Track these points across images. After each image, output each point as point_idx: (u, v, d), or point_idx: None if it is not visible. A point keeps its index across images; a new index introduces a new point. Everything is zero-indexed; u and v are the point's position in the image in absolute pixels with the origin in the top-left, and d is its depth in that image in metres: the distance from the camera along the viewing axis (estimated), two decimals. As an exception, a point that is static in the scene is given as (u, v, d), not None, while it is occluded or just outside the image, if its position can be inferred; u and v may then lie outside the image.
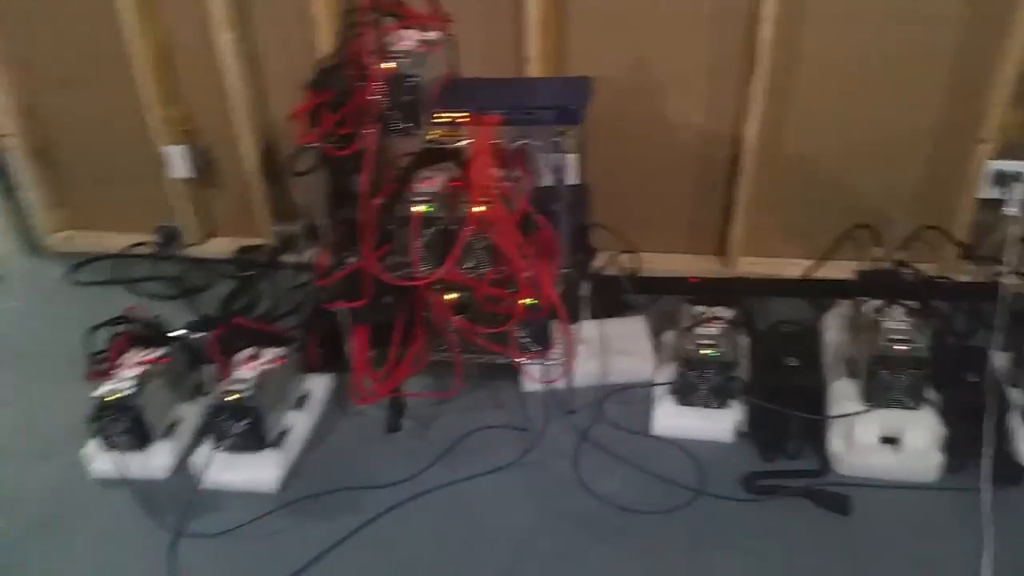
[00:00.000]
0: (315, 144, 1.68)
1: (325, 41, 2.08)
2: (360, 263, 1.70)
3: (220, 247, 2.55)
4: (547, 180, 1.74)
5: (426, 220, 1.61)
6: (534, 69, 2.05)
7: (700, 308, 1.81)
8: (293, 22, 2.13)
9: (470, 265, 1.65)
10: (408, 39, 1.64)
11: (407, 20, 1.70)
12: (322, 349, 1.97)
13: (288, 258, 2.46)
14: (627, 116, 2.10)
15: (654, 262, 2.20)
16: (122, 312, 1.93)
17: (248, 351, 1.83)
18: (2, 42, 2.37)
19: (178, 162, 2.40)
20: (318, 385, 1.94)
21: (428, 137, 1.65)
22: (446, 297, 1.71)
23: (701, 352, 1.68)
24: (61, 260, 2.63)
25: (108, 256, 2.60)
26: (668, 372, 1.81)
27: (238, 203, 2.49)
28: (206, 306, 2.31)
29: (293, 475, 1.73)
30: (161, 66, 2.29)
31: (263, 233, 2.49)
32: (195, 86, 2.34)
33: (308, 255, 2.41)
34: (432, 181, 1.64)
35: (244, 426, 1.68)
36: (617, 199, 2.10)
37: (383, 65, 1.55)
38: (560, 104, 1.63)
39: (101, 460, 1.76)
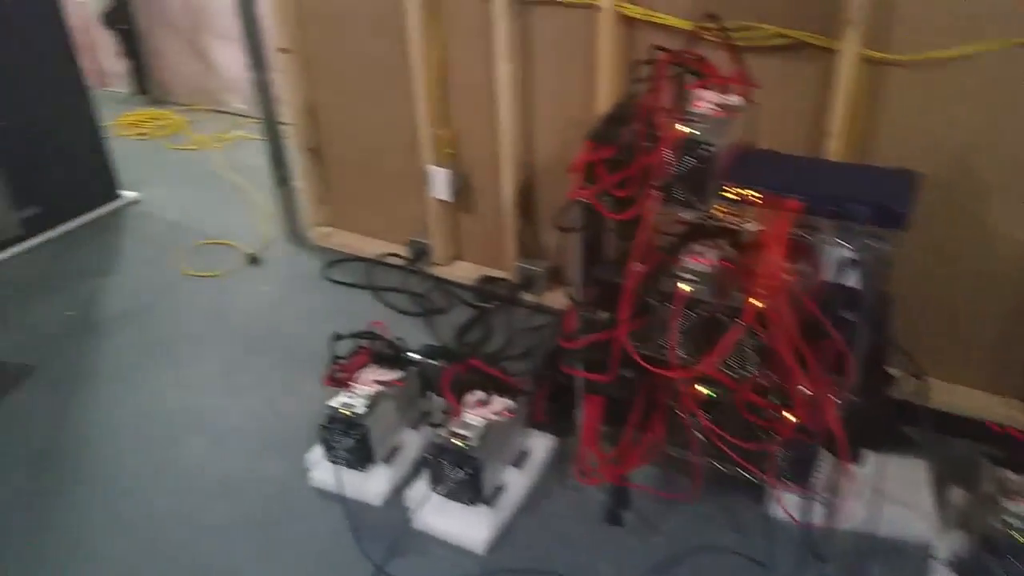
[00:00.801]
0: (586, 201, 1.57)
1: (608, 87, 1.99)
2: (610, 333, 1.57)
3: (464, 272, 2.55)
4: (842, 281, 1.51)
5: (691, 301, 1.45)
6: (834, 147, 1.81)
7: (1010, 475, 1.47)
8: (576, 62, 2.05)
9: (734, 363, 1.47)
10: (706, 101, 1.48)
11: (708, 80, 1.53)
12: (550, 405, 1.87)
13: (527, 297, 2.40)
14: (935, 215, 1.78)
15: (943, 394, 1.87)
16: (368, 327, 1.95)
17: (478, 395, 1.77)
18: (300, 43, 2.51)
19: (439, 182, 2.42)
20: (540, 445, 1.84)
21: (711, 213, 1.49)
22: (698, 391, 1.53)
23: (1014, 536, 1.36)
24: (319, 254, 2.75)
25: (361, 259, 2.68)
26: (953, 542, 1.50)
27: (487, 232, 2.47)
28: (443, 330, 2.30)
29: (502, 539, 1.63)
30: (438, 87, 2.32)
31: (507, 266, 2.45)
32: (466, 111, 2.34)
33: (546, 298, 2.36)
34: (704, 259, 1.48)
35: (463, 475, 1.61)
36: (907, 310, 1.80)
37: (676, 127, 1.41)
38: (881, 202, 1.39)
39: (322, 470, 1.78)
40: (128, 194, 3.21)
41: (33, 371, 2.20)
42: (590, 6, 1.94)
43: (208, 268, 2.68)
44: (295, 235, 2.87)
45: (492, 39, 2.11)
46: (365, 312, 2.41)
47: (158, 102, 4.33)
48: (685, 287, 1.44)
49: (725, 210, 1.46)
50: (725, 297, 1.44)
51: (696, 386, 1.53)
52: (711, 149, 1.38)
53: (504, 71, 2.14)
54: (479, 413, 1.70)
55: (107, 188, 3.15)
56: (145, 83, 4.38)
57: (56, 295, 2.57)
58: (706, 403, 1.53)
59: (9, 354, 2.25)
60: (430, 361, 1.94)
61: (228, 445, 1.93)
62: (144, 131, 3.96)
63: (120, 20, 4.20)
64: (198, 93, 4.23)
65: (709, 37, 1.55)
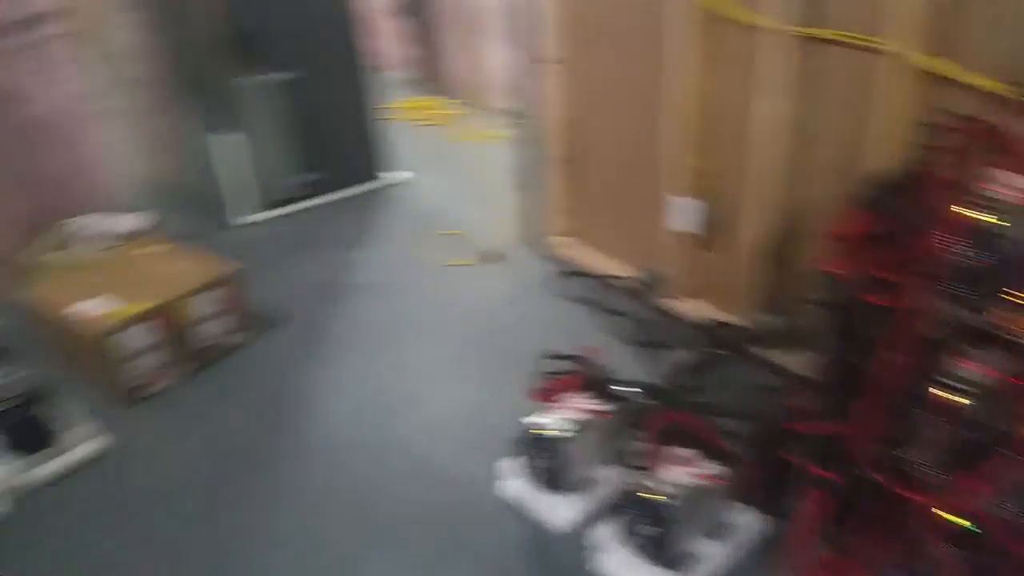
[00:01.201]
0: (840, 275, 1.39)
1: (887, 147, 1.75)
2: (848, 429, 1.38)
3: (696, 310, 2.42)
4: None
5: (952, 413, 1.23)
6: None
7: None
8: (853, 111, 1.84)
9: (1001, 497, 1.23)
10: (1008, 185, 1.24)
11: (1010, 158, 1.29)
12: (764, 480, 1.70)
13: (760, 352, 2.22)
14: None
15: None
16: (581, 351, 1.90)
17: (685, 451, 1.65)
18: (569, 55, 2.50)
19: (685, 214, 2.31)
20: (745, 522, 1.68)
21: (992, 318, 1.25)
22: (948, 518, 1.30)
23: None
24: (552, 263, 2.76)
25: (593, 276, 2.65)
26: None
27: (729, 274, 2.32)
28: (661, 367, 2.20)
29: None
30: (696, 115, 2.20)
31: (744, 314, 2.29)
32: (724, 144, 2.20)
33: (781, 358, 2.17)
34: (975, 366, 1.25)
35: (652, 531, 1.51)
36: None
37: (967, 212, 1.19)
38: None
39: (513, 482, 1.76)
40: (396, 174, 3.44)
41: (282, 323, 2.41)
42: (876, 51, 1.72)
43: (449, 257, 2.79)
44: (533, 241, 2.90)
45: (759, 72, 1.97)
46: (587, 330, 2.37)
47: (439, 92, 4.61)
48: (947, 395, 1.23)
49: (1009, 317, 1.23)
50: (997, 415, 1.21)
51: (947, 512, 1.30)
52: (1006, 243, 1.16)
53: (768, 108, 1.99)
54: (682, 469, 1.59)
55: (379, 166, 3.39)
56: (430, 72, 4.69)
57: (316, 257, 2.82)
58: (956, 536, 1.30)
59: (267, 303, 2.48)
60: (641, 400, 1.86)
61: (433, 433, 1.98)
62: (422, 118, 4.24)
63: (413, 9, 4.53)
64: (472, 88, 4.45)
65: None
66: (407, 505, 1.77)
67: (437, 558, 1.64)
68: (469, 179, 3.48)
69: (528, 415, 1.72)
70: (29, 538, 1.68)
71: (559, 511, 1.69)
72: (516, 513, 1.72)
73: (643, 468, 1.64)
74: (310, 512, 1.75)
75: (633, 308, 2.47)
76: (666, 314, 2.44)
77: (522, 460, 1.72)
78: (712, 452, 1.65)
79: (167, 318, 2.04)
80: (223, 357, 2.22)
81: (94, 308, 1.97)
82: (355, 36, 3.13)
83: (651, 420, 1.72)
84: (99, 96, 3.08)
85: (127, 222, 2.69)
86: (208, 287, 2.13)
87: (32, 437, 1.79)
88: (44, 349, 2.16)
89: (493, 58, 4.16)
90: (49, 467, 1.80)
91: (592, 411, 1.75)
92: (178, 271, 2.18)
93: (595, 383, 1.84)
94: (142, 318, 1.98)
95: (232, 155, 2.92)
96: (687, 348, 2.29)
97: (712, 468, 1.61)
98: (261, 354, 2.28)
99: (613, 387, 1.83)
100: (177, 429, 1.99)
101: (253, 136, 2.95)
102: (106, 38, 3.10)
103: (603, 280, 2.62)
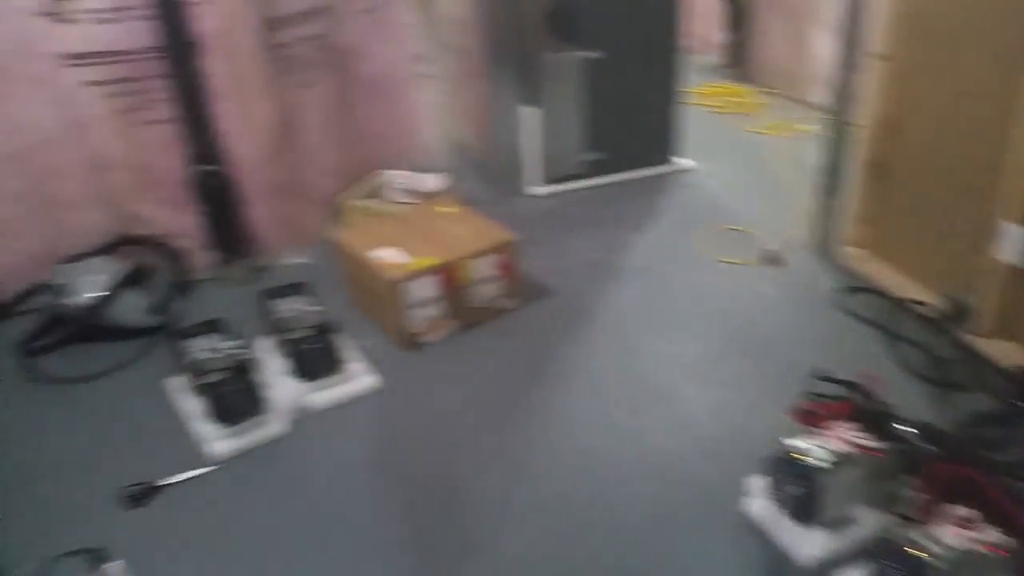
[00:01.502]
0: None
1: None
2: None
3: (1006, 354, 2.09)
4: None
5: None
6: None
7: None
8: None
9: None
10: None
11: None
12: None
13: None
14: None
15: None
16: (861, 376, 1.73)
17: (966, 511, 1.44)
18: (899, 51, 2.25)
19: (1016, 245, 1.99)
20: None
21: None
22: None
23: None
24: (839, 275, 2.54)
25: (884, 295, 2.40)
26: None
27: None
28: (951, 411, 1.94)
29: None
30: None
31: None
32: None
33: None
34: None
35: (913, 596, 1.34)
36: None
37: None
38: None
39: (758, 502, 1.67)
40: (684, 161, 3.37)
41: (549, 295, 2.49)
42: None
43: (726, 253, 2.68)
44: (821, 248, 2.68)
45: None
46: (866, 354, 2.16)
47: (743, 78, 4.42)
48: None
49: None
50: None
51: None
52: None
53: None
54: (959, 531, 1.40)
55: (668, 151, 3.34)
56: (738, 58, 4.50)
57: (593, 235, 2.86)
58: None
59: (539, 273, 2.57)
60: (924, 444, 1.65)
61: (679, 431, 1.93)
62: (720, 104, 4.09)
63: (735, -11, 4.35)
64: (782, 77, 4.19)
65: None
66: (642, 501, 1.74)
67: (668, 567, 1.60)
68: (761, 173, 3.31)
69: (787, 435, 1.62)
70: (301, 455, 1.90)
71: (805, 544, 1.57)
72: (757, 535, 1.63)
73: (913, 520, 1.47)
74: (544, 485, 1.79)
75: (928, 339, 2.20)
76: (968, 352, 2.14)
77: (773, 481, 1.62)
78: (999, 518, 1.43)
79: (449, 275, 2.20)
80: (491, 319, 2.35)
81: (391, 257, 2.18)
82: (673, 18, 3.09)
83: (933, 469, 1.54)
84: (423, 60, 3.37)
85: (429, 181, 2.93)
86: (488, 252, 2.26)
87: (318, 365, 2.01)
88: (343, 286, 2.44)
89: (812, 47, 3.89)
90: (328, 395, 2.02)
91: (862, 446, 1.60)
92: (465, 233, 2.33)
93: (870, 415, 1.67)
94: (429, 272, 2.15)
95: (533, 127, 3.04)
96: (988, 395, 2.00)
97: (995, 536, 1.40)
98: (524, 322, 2.37)
99: (893, 423, 1.65)
100: (442, 379, 2.14)
101: (551, 110, 3.04)
102: (436, 4, 3.37)
103: (897, 302, 2.36)
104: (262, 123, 2.48)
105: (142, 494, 1.75)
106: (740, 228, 2.85)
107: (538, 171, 3.16)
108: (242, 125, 2.40)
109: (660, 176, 3.32)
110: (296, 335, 1.95)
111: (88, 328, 2.16)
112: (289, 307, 2.02)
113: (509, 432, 1.95)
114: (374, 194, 2.94)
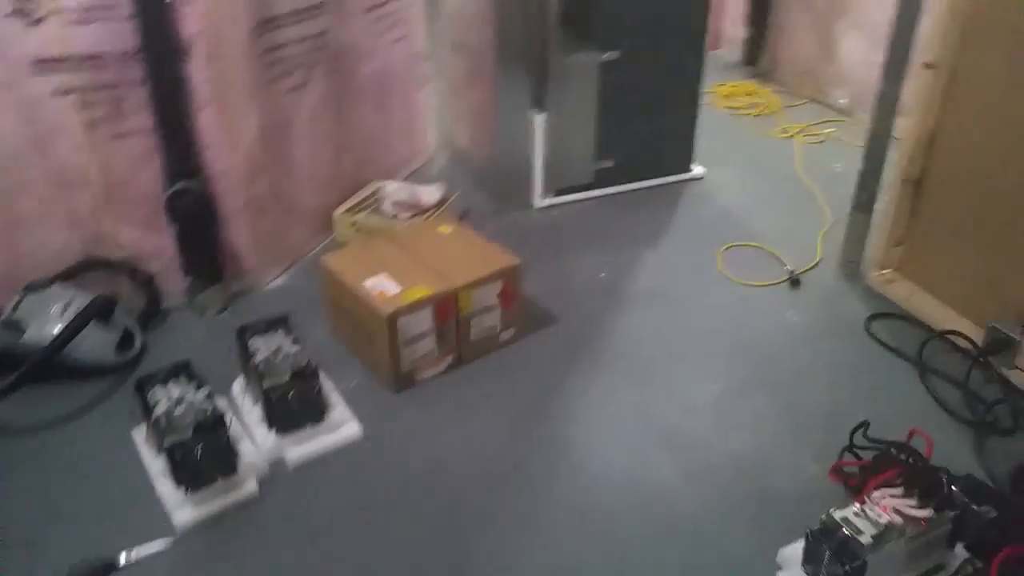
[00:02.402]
0: None
1: None
2: None
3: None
4: None
5: None
6: None
7: None
8: None
9: None
10: None
11: None
12: None
13: None
14: None
15: None
16: (905, 439, 1.55)
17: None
18: (948, 59, 2.05)
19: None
20: None
21: None
22: None
23: None
24: (867, 299, 2.35)
25: (917, 323, 2.21)
26: None
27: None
28: (997, 457, 1.76)
29: None
30: None
31: None
32: None
33: None
34: None
35: None
36: None
37: None
38: None
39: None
40: (702, 169, 3.17)
41: (553, 322, 2.29)
42: None
43: (742, 273, 2.49)
44: (848, 269, 2.49)
45: None
46: (900, 391, 1.98)
47: (761, 76, 4.20)
48: None
49: None
50: None
51: None
52: None
53: None
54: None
55: (681, 160, 3.13)
56: (756, 54, 4.27)
57: (600, 252, 2.65)
58: None
59: (542, 298, 2.37)
60: (976, 508, 1.47)
61: (698, 482, 1.73)
62: (736, 105, 3.88)
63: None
64: (804, 77, 3.97)
65: None
66: (661, 566, 1.56)
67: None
68: (784, 183, 3.11)
69: (827, 500, 1.43)
70: (275, 521, 1.68)
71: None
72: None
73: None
74: (552, 543, 1.61)
75: (967, 375, 2.00)
76: (1012, 390, 1.95)
77: (810, 556, 1.44)
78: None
79: (447, 306, 2.00)
80: (489, 352, 2.15)
81: (382, 287, 1.98)
82: (699, 14, 2.89)
83: (995, 545, 1.35)
84: (427, 59, 3.16)
85: (428, 193, 2.73)
86: (490, 280, 2.06)
87: (298, 417, 1.80)
88: (327, 314, 2.24)
89: (839, 46, 3.66)
90: (308, 447, 1.81)
91: (906, 515, 1.41)
92: (465, 258, 2.13)
93: (919, 482, 1.48)
94: (425, 303, 1.96)
95: (543, 133, 2.83)
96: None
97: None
98: (525, 355, 2.17)
99: (945, 493, 1.46)
100: (435, 424, 1.92)
101: (562, 115, 2.83)
102: (443, 2, 3.15)
103: (933, 332, 2.16)
104: (248, 132, 2.28)
105: (96, 576, 1.51)
106: (762, 245, 2.65)
107: (546, 180, 2.95)
108: (225, 135, 2.20)
109: (676, 185, 3.12)
110: (274, 381, 1.74)
111: (46, 367, 1.93)
112: (267, 346, 1.80)
113: (512, 486, 1.76)
114: (370, 205, 2.75)
